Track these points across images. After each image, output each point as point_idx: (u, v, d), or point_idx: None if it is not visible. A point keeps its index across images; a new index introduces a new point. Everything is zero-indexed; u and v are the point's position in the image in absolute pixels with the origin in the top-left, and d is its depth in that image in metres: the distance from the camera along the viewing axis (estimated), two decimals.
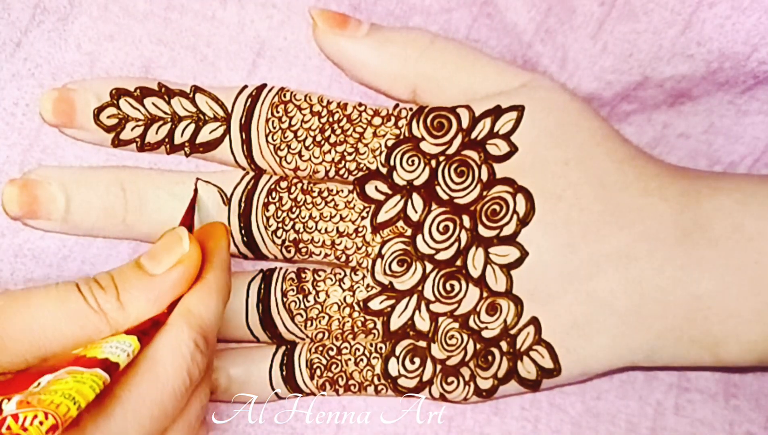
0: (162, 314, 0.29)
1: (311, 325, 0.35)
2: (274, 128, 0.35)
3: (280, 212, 0.35)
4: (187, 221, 0.33)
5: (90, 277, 0.30)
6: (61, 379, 0.26)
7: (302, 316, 0.35)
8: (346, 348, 0.36)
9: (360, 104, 0.35)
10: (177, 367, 0.29)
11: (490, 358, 0.35)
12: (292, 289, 0.35)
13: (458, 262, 0.35)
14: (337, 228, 0.35)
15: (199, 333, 0.30)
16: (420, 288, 0.35)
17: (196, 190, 0.34)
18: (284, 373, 0.36)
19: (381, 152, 0.35)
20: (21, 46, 0.35)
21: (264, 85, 0.35)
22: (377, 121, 0.35)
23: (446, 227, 0.35)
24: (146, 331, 0.29)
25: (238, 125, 0.35)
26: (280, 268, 0.36)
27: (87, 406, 0.26)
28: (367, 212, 0.35)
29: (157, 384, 0.28)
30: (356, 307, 0.35)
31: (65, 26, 0.35)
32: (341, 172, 0.35)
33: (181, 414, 0.30)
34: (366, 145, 0.35)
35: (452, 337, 0.35)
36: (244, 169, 0.36)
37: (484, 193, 0.35)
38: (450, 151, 0.35)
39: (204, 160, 0.36)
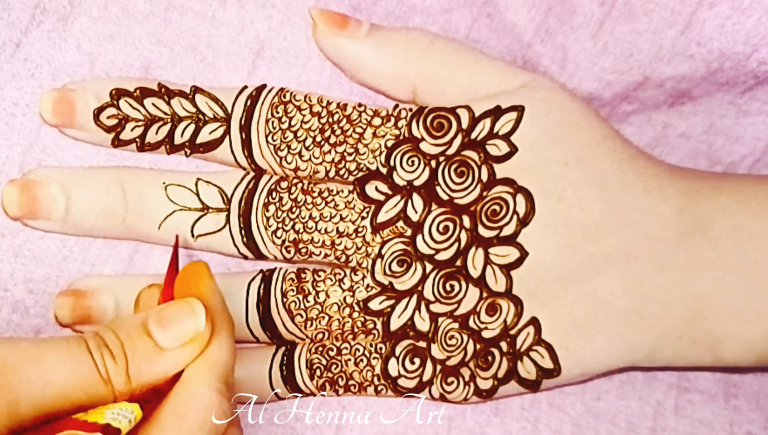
0: (165, 383, 0.29)
1: (311, 325, 0.35)
2: (274, 129, 0.35)
3: (280, 212, 0.35)
4: (173, 270, 0.32)
5: (96, 332, 0.29)
6: None
7: (302, 317, 0.35)
8: (346, 348, 0.36)
9: (360, 104, 0.35)
10: (202, 420, 0.28)
11: (490, 358, 0.35)
12: (292, 290, 0.35)
13: (458, 263, 0.35)
14: (337, 228, 0.35)
15: (219, 381, 0.29)
16: (420, 288, 0.35)
17: (176, 238, 0.34)
18: (284, 373, 0.36)
19: (381, 152, 0.35)
20: (21, 47, 0.35)
21: (264, 86, 0.35)
22: (377, 121, 0.35)
23: (446, 227, 0.35)
24: (149, 400, 0.28)
25: (238, 126, 0.35)
26: (280, 269, 0.36)
27: None
28: (367, 212, 0.35)
29: None
30: (356, 308, 0.35)
31: (65, 26, 0.35)
32: (341, 172, 0.35)
33: None
34: (366, 145, 0.35)
35: (452, 337, 0.35)
36: (244, 169, 0.36)
37: (484, 193, 0.35)
38: (450, 152, 0.35)
39: (204, 160, 0.36)
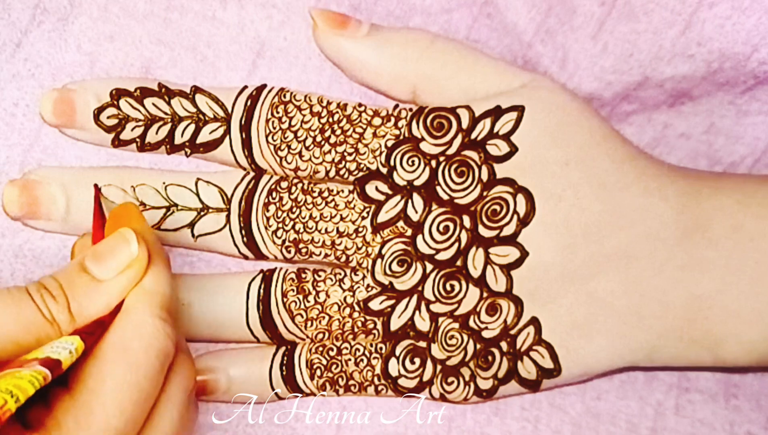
0: (107, 315, 0.29)
1: (311, 325, 0.35)
2: (274, 128, 0.35)
3: (280, 212, 0.35)
4: (99, 217, 0.32)
5: (37, 281, 0.29)
6: None
7: (302, 317, 0.35)
8: (346, 348, 0.36)
9: (360, 104, 0.35)
10: (146, 346, 0.28)
11: (490, 358, 0.35)
12: (293, 290, 0.35)
13: (458, 263, 0.35)
14: (338, 228, 0.35)
15: (160, 308, 0.29)
16: (420, 288, 0.35)
17: (96, 187, 0.33)
18: (284, 373, 0.36)
19: (381, 152, 0.35)
20: (21, 47, 0.35)
21: (264, 86, 0.35)
22: (377, 121, 0.35)
23: (446, 227, 0.35)
24: (91, 332, 0.28)
25: (238, 125, 0.35)
26: (280, 269, 0.36)
27: (64, 405, 0.26)
28: (368, 212, 0.35)
29: (130, 368, 0.28)
30: (356, 308, 0.35)
31: (65, 27, 0.35)
32: (341, 172, 0.35)
33: (164, 393, 0.29)
34: (366, 145, 0.35)
35: (452, 337, 0.35)
36: (244, 169, 0.36)
37: (485, 193, 0.35)
38: (450, 152, 0.35)
39: (204, 160, 0.36)
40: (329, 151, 0.35)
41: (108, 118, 0.34)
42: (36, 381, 0.25)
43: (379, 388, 0.36)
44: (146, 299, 0.29)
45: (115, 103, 0.34)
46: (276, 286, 0.35)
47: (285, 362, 0.36)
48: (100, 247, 0.30)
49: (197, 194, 0.35)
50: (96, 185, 0.34)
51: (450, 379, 0.36)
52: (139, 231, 0.30)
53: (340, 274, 0.35)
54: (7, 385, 0.25)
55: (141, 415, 0.28)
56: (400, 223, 0.35)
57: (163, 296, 0.30)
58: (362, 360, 0.36)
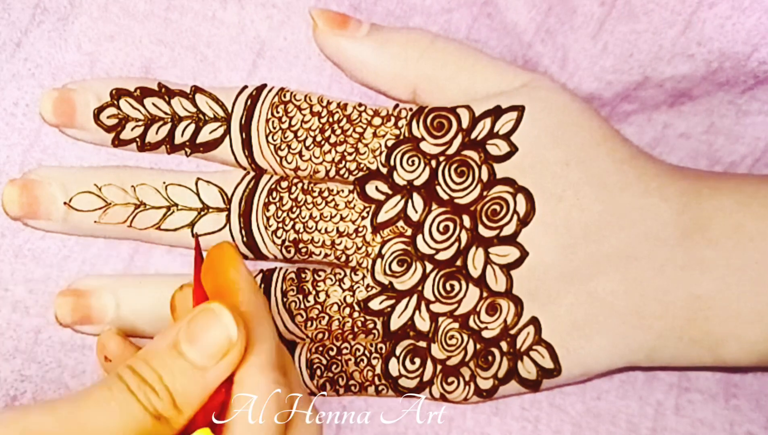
0: (220, 394, 0.29)
1: (311, 325, 0.35)
2: (274, 128, 0.35)
3: (280, 212, 0.35)
4: (199, 270, 0.31)
5: (130, 369, 0.28)
6: None
7: (302, 316, 0.35)
8: (346, 348, 0.36)
9: (360, 104, 0.35)
10: (269, 417, 0.28)
11: (490, 358, 0.35)
12: (292, 289, 0.35)
13: (458, 262, 0.35)
14: (338, 228, 0.35)
15: (273, 371, 0.29)
16: (420, 288, 0.35)
17: (197, 238, 0.33)
18: None
19: (381, 152, 0.35)
20: (21, 47, 0.35)
21: (264, 86, 0.35)
22: (377, 121, 0.35)
23: (446, 227, 0.35)
24: (217, 416, 0.28)
25: (239, 125, 0.35)
26: (280, 268, 0.36)
27: None
28: (368, 212, 0.35)
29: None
30: (356, 307, 0.35)
31: (65, 26, 0.35)
32: (341, 172, 0.35)
33: None
34: (366, 145, 0.35)
35: (452, 337, 0.35)
36: (244, 169, 0.36)
37: (485, 193, 0.35)
38: (450, 151, 0.35)
39: (204, 160, 0.36)
40: (329, 151, 0.35)
41: (108, 117, 0.34)
42: None
43: (380, 388, 0.36)
44: (258, 369, 0.29)
45: (115, 102, 0.34)
46: (276, 285, 0.35)
47: None
48: (193, 327, 0.28)
49: (197, 194, 0.35)
50: (196, 235, 0.33)
51: (450, 379, 0.36)
52: (237, 282, 0.29)
53: (339, 273, 0.35)
54: None
55: None
56: (400, 223, 0.35)
57: (271, 355, 0.29)
58: (362, 360, 0.36)
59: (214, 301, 0.29)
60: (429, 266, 0.35)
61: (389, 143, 0.35)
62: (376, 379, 0.36)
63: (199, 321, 0.28)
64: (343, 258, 0.35)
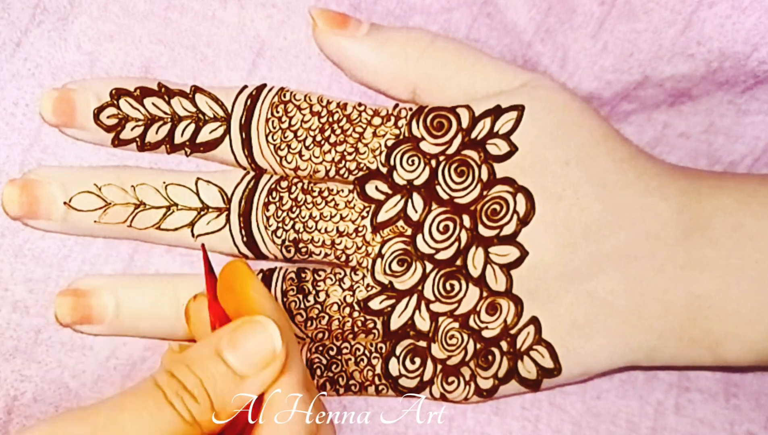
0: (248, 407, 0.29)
1: (311, 324, 0.35)
2: (274, 128, 0.35)
3: (280, 212, 0.35)
4: (211, 278, 0.31)
5: (170, 375, 0.28)
6: None
7: (302, 316, 0.35)
8: (346, 348, 0.36)
9: (360, 104, 0.35)
10: (298, 432, 0.29)
11: (490, 357, 0.35)
12: (292, 289, 0.35)
13: (458, 262, 0.35)
14: (337, 228, 0.35)
15: (302, 389, 0.29)
16: (420, 288, 0.35)
17: (203, 246, 0.33)
18: None
19: (381, 152, 0.35)
20: (21, 46, 0.35)
21: (264, 85, 0.35)
22: (377, 121, 0.35)
23: (446, 227, 0.35)
24: (234, 424, 0.28)
25: (238, 125, 0.35)
26: (280, 268, 0.36)
27: None
28: (368, 212, 0.35)
29: None
30: (356, 307, 0.35)
31: (65, 26, 0.35)
32: (341, 171, 0.35)
33: None
34: (366, 144, 0.35)
35: (452, 336, 0.35)
36: (244, 168, 0.36)
37: (484, 192, 0.35)
38: (450, 151, 0.35)
39: (204, 159, 0.36)
40: (329, 151, 0.35)
41: (108, 117, 0.34)
42: None
43: (380, 387, 0.36)
44: (290, 388, 0.29)
45: (115, 102, 0.34)
46: (276, 285, 0.35)
47: None
48: (237, 335, 0.29)
49: (197, 194, 0.35)
50: (203, 246, 0.33)
51: (450, 379, 0.36)
52: (259, 300, 0.30)
53: (339, 273, 0.35)
54: None
55: None
56: (400, 223, 0.35)
57: (301, 375, 0.30)
58: (362, 360, 0.36)
59: (256, 316, 0.29)
60: (429, 266, 0.35)
61: (389, 143, 0.35)
62: (376, 378, 0.36)
63: (244, 330, 0.29)
64: (343, 258, 0.35)
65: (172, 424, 0.27)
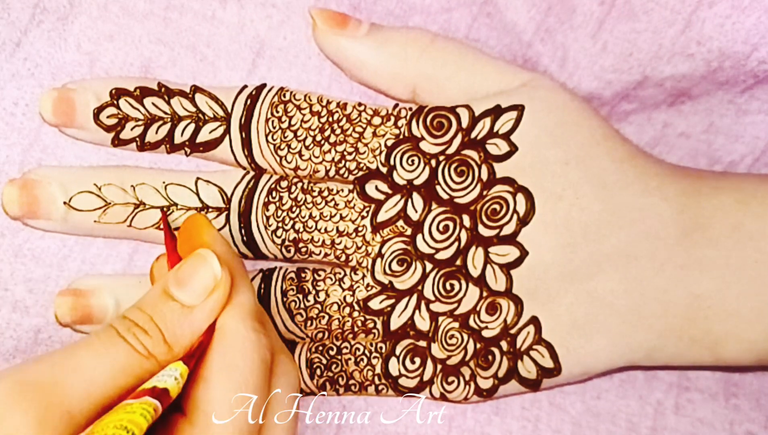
0: (203, 335, 0.29)
1: (311, 324, 0.35)
2: (274, 128, 0.35)
3: (280, 212, 0.35)
4: (170, 237, 0.33)
5: (121, 315, 0.29)
6: (110, 413, 0.26)
7: (302, 316, 0.35)
8: (346, 348, 0.36)
9: (360, 104, 0.35)
10: (250, 362, 0.29)
11: (490, 357, 0.35)
12: (292, 289, 0.35)
13: (458, 262, 0.35)
14: (337, 227, 0.35)
15: (252, 319, 0.30)
16: (420, 287, 0.35)
17: (163, 210, 0.34)
18: None
19: (381, 152, 0.35)
20: (21, 46, 0.35)
21: (264, 85, 0.35)
22: (377, 120, 0.35)
23: (446, 227, 0.35)
24: (191, 354, 0.29)
25: (238, 125, 0.35)
26: (280, 268, 0.36)
27: (185, 431, 0.27)
28: (367, 212, 0.35)
29: (239, 386, 0.29)
30: (356, 307, 0.35)
31: (65, 26, 0.35)
32: (341, 171, 0.35)
33: (274, 398, 0.30)
34: (366, 144, 0.35)
35: (452, 336, 0.35)
36: (244, 168, 0.36)
37: (484, 192, 0.35)
38: (450, 151, 0.35)
39: (204, 159, 0.36)
40: (329, 151, 0.35)
41: (108, 117, 0.34)
42: (147, 414, 0.26)
43: (380, 387, 0.36)
44: (238, 315, 0.30)
45: (115, 102, 0.34)
46: (275, 285, 0.35)
47: None
48: (181, 272, 0.30)
49: (197, 193, 0.35)
50: (162, 209, 0.34)
51: (450, 379, 0.36)
52: (212, 244, 0.31)
53: (339, 273, 0.35)
54: (120, 420, 0.25)
55: (256, 426, 0.29)
56: (400, 223, 0.35)
57: (251, 306, 0.30)
58: (362, 359, 0.36)
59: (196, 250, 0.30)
60: (429, 266, 0.35)
61: (389, 143, 0.35)
62: (376, 378, 0.36)
63: (186, 266, 0.30)
64: (343, 257, 0.35)
65: (127, 357, 0.28)
